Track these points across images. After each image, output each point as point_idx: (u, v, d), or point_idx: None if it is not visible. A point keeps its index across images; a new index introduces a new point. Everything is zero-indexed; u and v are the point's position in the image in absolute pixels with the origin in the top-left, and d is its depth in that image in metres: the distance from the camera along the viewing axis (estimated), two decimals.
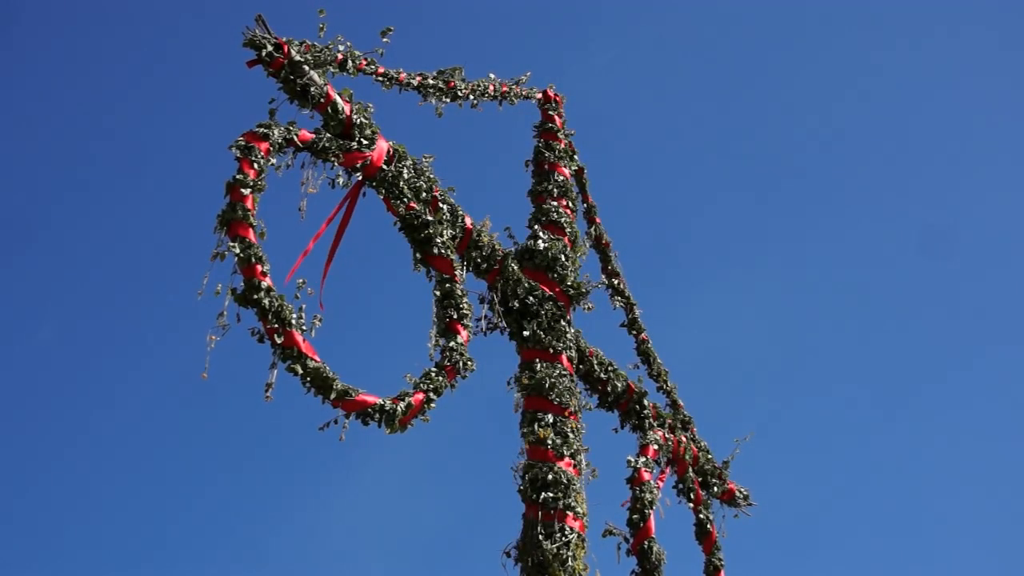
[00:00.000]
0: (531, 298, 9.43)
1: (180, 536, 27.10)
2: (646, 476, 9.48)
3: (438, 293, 8.45)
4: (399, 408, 7.66)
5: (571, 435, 8.89)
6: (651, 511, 9.28)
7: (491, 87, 10.31)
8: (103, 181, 31.08)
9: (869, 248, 30.77)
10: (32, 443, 28.67)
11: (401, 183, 8.57)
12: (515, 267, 9.41)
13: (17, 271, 29.92)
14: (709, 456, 11.02)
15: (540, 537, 8.31)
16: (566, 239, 10.13)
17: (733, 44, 32.14)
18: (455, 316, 8.39)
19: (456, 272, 8.56)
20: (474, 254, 9.15)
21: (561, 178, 10.62)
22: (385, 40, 8.83)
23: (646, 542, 9.14)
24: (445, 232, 8.64)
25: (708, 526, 10.44)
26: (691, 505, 10.44)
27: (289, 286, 7.39)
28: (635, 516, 9.24)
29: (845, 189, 31.71)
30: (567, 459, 8.71)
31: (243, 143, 7.47)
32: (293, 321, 7.21)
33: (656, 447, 9.93)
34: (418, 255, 8.57)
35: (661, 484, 9.77)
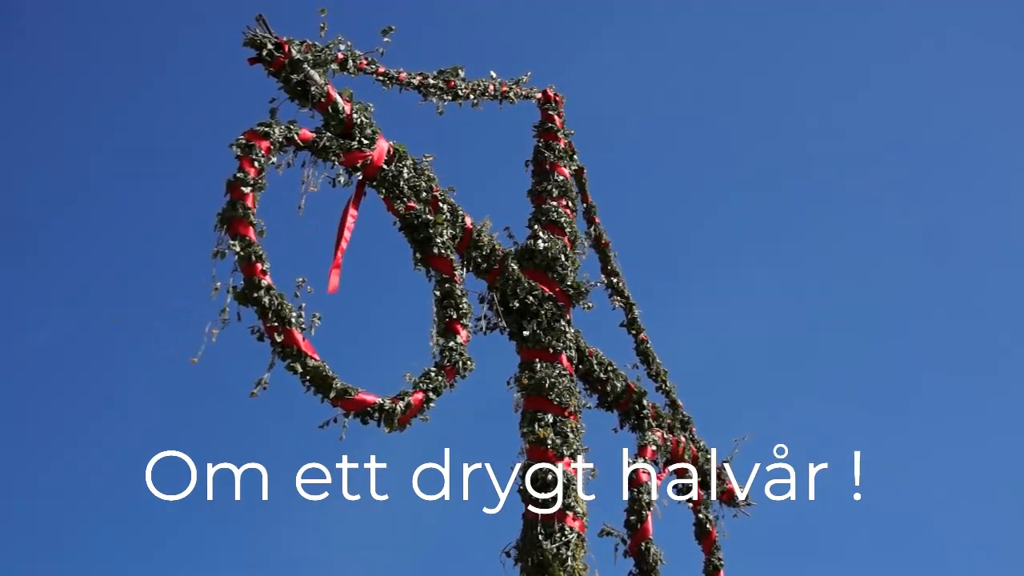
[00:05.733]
0: (531, 298, 9.43)
1: (179, 536, 27.10)
2: (643, 477, 9.49)
3: (438, 293, 8.46)
4: (398, 407, 7.66)
5: (571, 435, 8.90)
6: (648, 512, 9.29)
7: (491, 87, 10.32)
8: (103, 181, 31.09)
9: (870, 248, 30.78)
10: (32, 443, 28.67)
11: (401, 183, 8.58)
12: (515, 267, 9.41)
13: (17, 271, 29.92)
14: (708, 456, 11.02)
15: (540, 537, 8.31)
16: (566, 239, 10.14)
17: (734, 44, 32.15)
18: (455, 316, 8.40)
19: (456, 272, 8.56)
20: (474, 254, 9.16)
21: (561, 178, 10.63)
22: (386, 40, 8.84)
23: (643, 543, 9.15)
24: (445, 232, 8.65)
25: (708, 526, 10.44)
26: (691, 505, 10.44)
27: (288, 284, 7.42)
28: (632, 517, 9.25)
29: (846, 189, 31.72)
30: (567, 459, 8.72)
31: (244, 141, 7.48)
32: (293, 320, 7.21)
33: (654, 448, 9.94)
34: (418, 255, 8.58)
35: (660, 481, 9.78)
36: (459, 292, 8.50)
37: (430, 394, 7.93)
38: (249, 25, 7.83)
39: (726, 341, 29.25)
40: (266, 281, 7.18)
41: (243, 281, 7.16)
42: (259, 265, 7.18)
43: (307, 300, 7.39)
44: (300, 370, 7.23)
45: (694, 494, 10.47)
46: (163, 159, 30.56)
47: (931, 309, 30.55)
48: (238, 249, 7.15)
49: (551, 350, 9.35)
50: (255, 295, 7.12)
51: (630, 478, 9.48)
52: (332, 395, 7.38)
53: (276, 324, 7.17)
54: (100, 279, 30.03)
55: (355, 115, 8.38)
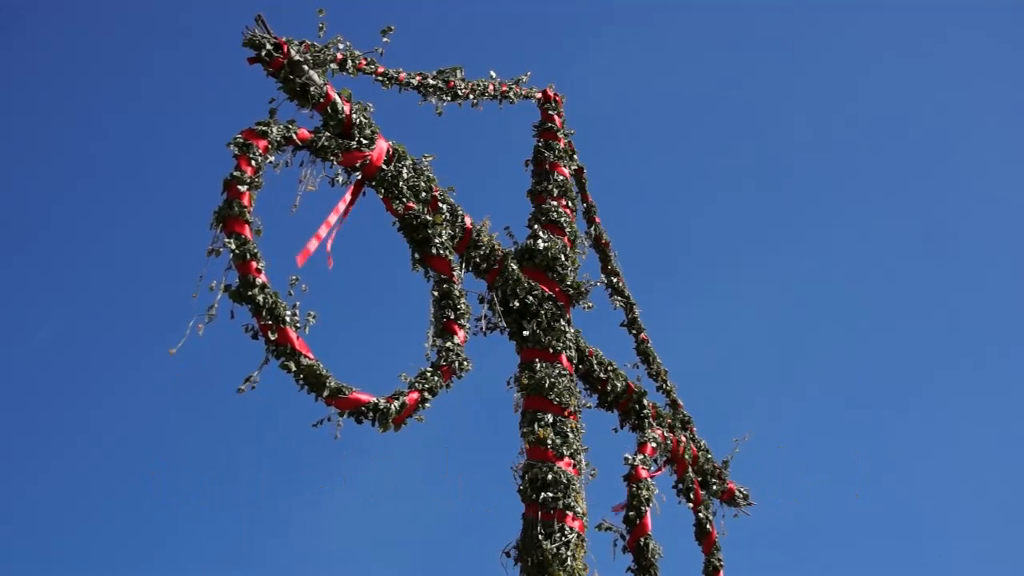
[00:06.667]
0: (531, 298, 9.42)
1: (179, 537, 27.09)
2: (643, 473, 9.48)
3: (436, 293, 8.45)
4: (393, 407, 7.65)
5: (571, 435, 8.89)
6: (647, 508, 9.28)
7: (491, 87, 10.31)
8: (103, 181, 31.11)
9: (869, 248, 30.78)
10: (32, 443, 28.69)
11: (400, 183, 8.57)
12: (515, 267, 9.40)
13: (17, 271, 29.94)
14: (708, 455, 11.02)
15: (540, 537, 8.31)
16: (566, 239, 10.12)
17: (733, 43, 32.16)
18: (452, 316, 8.38)
19: (454, 272, 8.55)
20: (473, 254, 9.15)
21: (561, 178, 10.62)
22: (385, 40, 8.85)
23: (642, 539, 9.14)
24: (443, 232, 8.64)
25: (708, 526, 10.42)
26: (691, 505, 10.42)
27: (283, 283, 7.41)
28: (631, 513, 9.25)
29: (846, 189, 31.72)
30: (567, 459, 8.71)
31: (241, 140, 7.50)
32: (287, 318, 7.22)
33: (654, 445, 9.93)
34: (416, 255, 8.57)
35: (654, 476, 9.78)
36: (457, 292, 8.49)
37: (426, 394, 7.92)
38: (248, 25, 7.83)
39: (726, 341, 29.27)
40: (261, 279, 7.19)
41: (238, 279, 7.16)
42: (254, 263, 7.19)
43: (302, 299, 7.40)
44: (294, 369, 7.22)
45: (694, 494, 10.45)
46: (162, 158, 30.59)
47: (931, 309, 30.56)
48: (233, 247, 7.16)
49: (551, 350, 9.34)
50: (250, 293, 7.12)
51: (629, 474, 9.47)
52: (326, 394, 7.37)
53: (270, 322, 7.17)
54: (100, 278, 30.05)
55: (354, 115, 8.38)
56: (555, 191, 10.47)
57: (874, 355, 29.56)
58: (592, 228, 11.42)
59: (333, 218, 8.10)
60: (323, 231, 8.03)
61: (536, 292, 9.48)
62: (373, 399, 7.60)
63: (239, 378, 7.19)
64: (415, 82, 9.36)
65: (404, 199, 8.56)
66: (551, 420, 8.90)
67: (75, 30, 30.83)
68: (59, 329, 28.98)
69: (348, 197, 8.26)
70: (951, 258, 30.62)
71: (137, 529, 27.07)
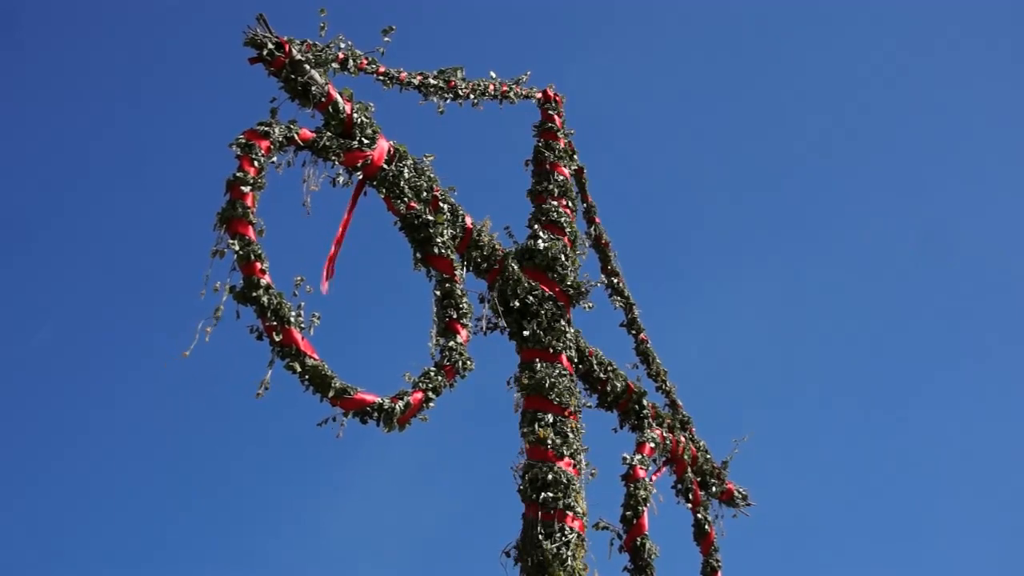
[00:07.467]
0: (531, 298, 9.43)
1: (178, 537, 27.11)
2: (641, 473, 9.50)
3: (438, 293, 8.45)
4: (397, 407, 7.65)
5: (571, 435, 8.89)
6: (644, 508, 9.30)
7: (491, 86, 10.32)
8: (103, 181, 31.11)
9: (869, 248, 30.80)
10: (32, 443, 28.69)
11: (402, 183, 8.57)
12: (515, 267, 9.41)
13: (17, 271, 29.94)
14: (708, 456, 11.03)
15: (540, 537, 8.31)
16: (566, 239, 10.13)
17: (733, 44, 32.18)
18: (455, 316, 8.39)
19: (456, 272, 8.56)
20: (474, 254, 9.16)
21: (561, 178, 10.62)
22: (386, 39, 8.85)
23: (639, 539, 9.15)
24: (445, 232, 8.64)
25: (706, 527, 10.43)
26: (689, 505, 10.43)
27: (287, 284, 7.41)
28: (628, 512, 9.26)
29: (845, 190, 31.75)
30: (567, 459, 8.72)
31: (244, 141, 7.49)
32: (292, 319, 7.22)
33: (652, 445, 9.94)
34: (418, 255, 8.58)
35: (656, 478, 9.79)
36: (459, 292, 8.50)
37: (429, 394, 7.92)
38: (250, 25, 7.84)
39: (726, 341, 29.29)
40: (265, 280, 7.19)
41: (242, 280, 7.16)
42: (258, 264, 7.19)
43: (306, 299, 7.40)
44: (299, 369, 7.22)
45: (693, 495, 10.46)
46: (163, 159, 30.60)
47: (931, 309, 30.58)
48: (237, 248, 7.16)
49: (551, 350, 9.34)
50: (254, 294, 7.12)
51: (626, 474, 9.48)
52: (331, 394, 7.37)
53: (275, 323, 7.16)
54: (100, 278, 30.05)
55: (355, 115, 8.38)
56: (555, 191, 10.48)
57: (874, 355, 29.62)
58: (592, 228, 11.42)
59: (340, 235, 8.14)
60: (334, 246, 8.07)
61: (536, 292, 9.48)
62: (378, 399, 7.60)
63: (239, 378, 7.23)
64: (416, 82, 9.37)
65: (406, 199, 8.57)
66: (551, 420, 8.91)
67: (75, 30, 30.85)
68: (59, 329, 28.99)
69: (350, 211, 8.29)
70: (951, 259, 30.68)
71: (137, 529, 27.10)
